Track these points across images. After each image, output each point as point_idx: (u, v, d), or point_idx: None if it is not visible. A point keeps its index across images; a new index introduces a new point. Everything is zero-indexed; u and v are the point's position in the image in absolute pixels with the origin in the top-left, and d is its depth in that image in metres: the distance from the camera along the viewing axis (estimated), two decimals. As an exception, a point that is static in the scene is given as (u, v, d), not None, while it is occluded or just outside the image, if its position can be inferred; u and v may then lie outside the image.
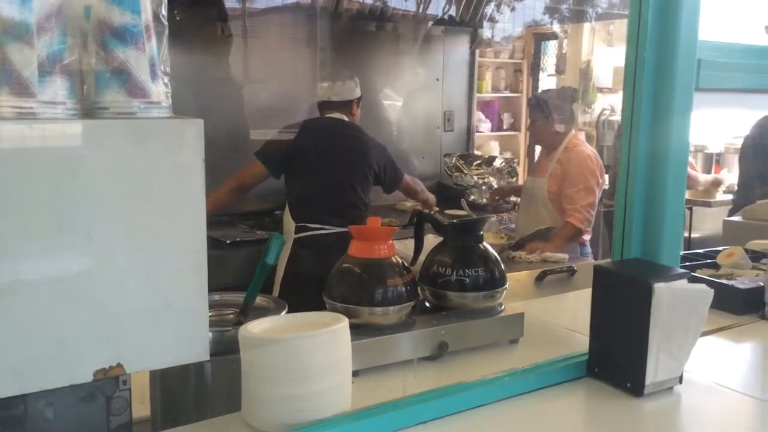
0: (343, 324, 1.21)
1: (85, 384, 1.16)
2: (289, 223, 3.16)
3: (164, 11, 1.10)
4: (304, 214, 3.07)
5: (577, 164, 3.41)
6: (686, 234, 5.28)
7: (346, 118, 3.25)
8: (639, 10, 1.39)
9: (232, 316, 1.50)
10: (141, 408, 1.42)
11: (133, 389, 1.25)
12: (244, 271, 3.12)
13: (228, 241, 3.30)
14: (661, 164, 1.42)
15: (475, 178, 4.58)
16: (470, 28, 4.66)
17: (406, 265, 1.52)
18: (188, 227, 1.11)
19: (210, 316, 1.55)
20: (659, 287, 1.29)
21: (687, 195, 4.95)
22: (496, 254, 1.62)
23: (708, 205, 4.84)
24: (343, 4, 4.01)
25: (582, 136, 3.78)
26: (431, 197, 3.66)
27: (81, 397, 1.20)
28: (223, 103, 3.85)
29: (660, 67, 1.39)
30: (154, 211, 1.08)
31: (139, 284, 1.07)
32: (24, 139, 0.97)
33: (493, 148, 6.94)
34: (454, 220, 1.62)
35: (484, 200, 4.44)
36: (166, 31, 1.10)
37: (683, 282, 1.33)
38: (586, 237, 3.45)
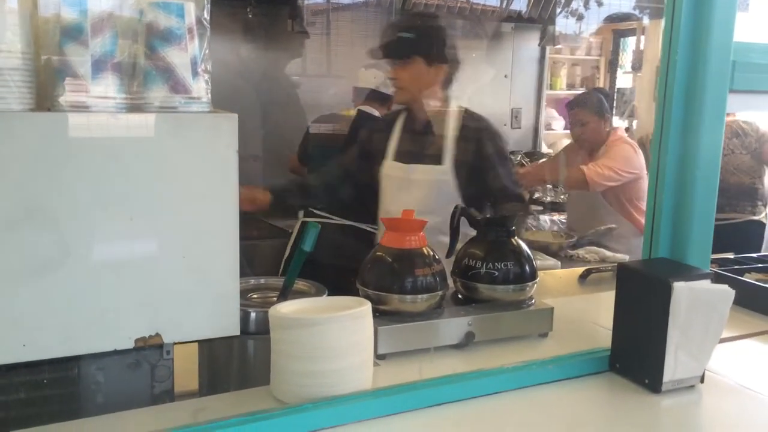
0: (365, 308, 1.29)
1: (132, 352, 1.29)
2: None
3: (207, 15, 1.20)
4: None
5: (614, 151, 3.39)
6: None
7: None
8: (672, 11, 1.40)
9: (274, 298, 1.61)
10: (185, 378, 1.54)
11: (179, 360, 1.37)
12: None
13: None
14: (691, 166, 1.42)
15: (540, 175, 4.55)
16: (540, 25, 4.63)
17: (437, 256, 1.58)
18: (222, 213, 1.21)
19: (255, 298, 1.67)
20: (679, 286, 1.31)
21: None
22: (528, 250, 1.66)
23: None
24: (411, 1, 4.06)
25: (621, 132, 3.71)
26: None
27: (128, 364, 1.33)
28: (290, 96, 4.00)
29: (692, 68, 1.40)
30: (190, 197, 1.19)
31: (176, 264, 1.19)
32: (76, 129, 1.10)
33: (566, 146, 6.83)
34: (488, 216, 1.67)
35: (549, 198, 4.41)
36: (208, 33, 1.20)
37: (705, 282, 1.34)
38: None
